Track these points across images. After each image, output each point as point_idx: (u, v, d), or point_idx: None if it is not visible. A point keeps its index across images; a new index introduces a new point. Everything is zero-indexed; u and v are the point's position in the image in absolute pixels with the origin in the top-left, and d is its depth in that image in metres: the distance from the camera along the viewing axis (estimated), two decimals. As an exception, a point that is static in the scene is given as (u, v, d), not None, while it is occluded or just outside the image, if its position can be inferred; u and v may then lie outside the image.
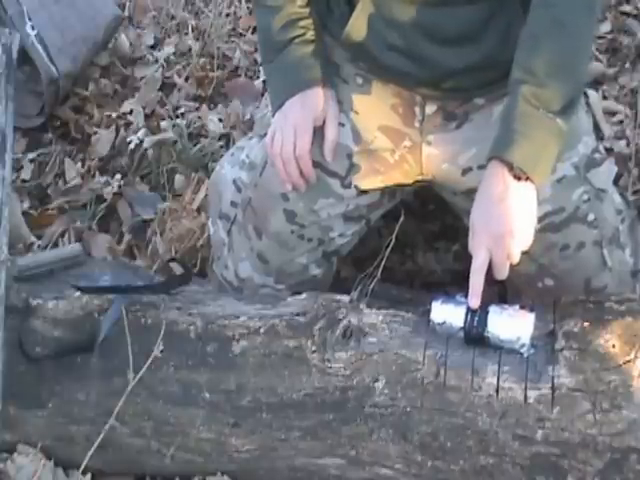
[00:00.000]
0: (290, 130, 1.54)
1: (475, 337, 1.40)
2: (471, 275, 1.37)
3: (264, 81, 1.86)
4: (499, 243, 1.36)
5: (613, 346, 1.36)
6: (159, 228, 2.02)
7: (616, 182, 1.72)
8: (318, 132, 1.56)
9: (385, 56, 1.52)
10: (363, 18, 1.50)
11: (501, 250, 1.36)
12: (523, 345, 1.39)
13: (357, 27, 1.51)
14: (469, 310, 1.40)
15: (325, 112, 1.56)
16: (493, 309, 1.40)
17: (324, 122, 1.56)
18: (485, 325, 1.39)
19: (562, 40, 1.36)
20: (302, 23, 1.57)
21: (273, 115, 1.58)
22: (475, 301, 1.38)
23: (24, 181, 2.19)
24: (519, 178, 1.35)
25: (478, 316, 1.39)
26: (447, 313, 1.42)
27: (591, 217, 1.53)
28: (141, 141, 2.21)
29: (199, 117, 2.30)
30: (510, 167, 1.35)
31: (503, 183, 1.36)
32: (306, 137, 1.54)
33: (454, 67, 1.50)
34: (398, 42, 1.50)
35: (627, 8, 2.47)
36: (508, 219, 1.35)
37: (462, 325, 1.40)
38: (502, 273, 1.38)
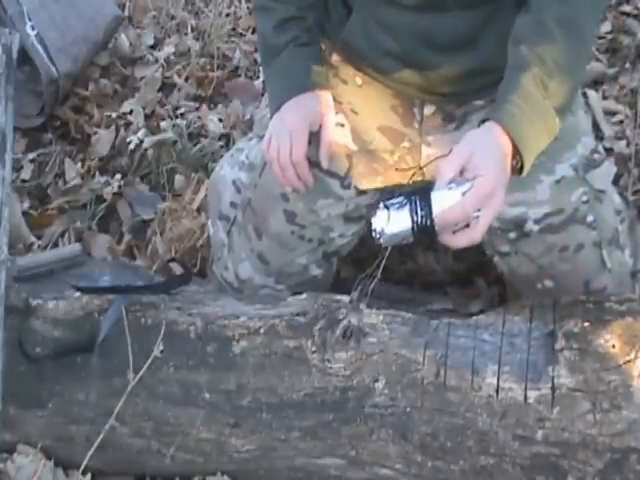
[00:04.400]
0: (286, 135, 1.52)
1: (427, 229, 1.27)
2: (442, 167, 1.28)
3: (264, 81, 1.86)
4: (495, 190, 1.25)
5: (613, 346, 1.36)
6: (159, 228, 2.02)
7: (616, 182, 1.72)
8: (317, 133, 1.56)
9: (382, 62, 1.52)
10: (359, 24, 1.50)
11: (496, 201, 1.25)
12: None
13: (353, 33, 1.51)
14: (411, 207, 1.27)
15: (322, 116, 1.55)
16: (434, 194, 1.27)
17: (321, 126, 1.56)
18: (431, 212, 1.27)
19: (570, 39, 1.32)
20: (298, 27, 1.56)
21: (271, 118, 1.58)
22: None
23: (24, 181, 2.19)
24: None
25: (422, 208, 1.27)
26: (391, 219, 1.28)
27: (590, 218, 1.52)
28: (141, 141, 2.21)
29: (199, 117, 2.30)
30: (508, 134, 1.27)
31: (505, 140, 1.27)
32: (302, 142, 1.52)
33: (451, 73, 1.49)
34: (394, 48, 1.49)
35: (627, 8, 2.47)
36: (505, 175, 1.27)
37: (410, 225, 1.27)
38: (478, 233, 1.27)
